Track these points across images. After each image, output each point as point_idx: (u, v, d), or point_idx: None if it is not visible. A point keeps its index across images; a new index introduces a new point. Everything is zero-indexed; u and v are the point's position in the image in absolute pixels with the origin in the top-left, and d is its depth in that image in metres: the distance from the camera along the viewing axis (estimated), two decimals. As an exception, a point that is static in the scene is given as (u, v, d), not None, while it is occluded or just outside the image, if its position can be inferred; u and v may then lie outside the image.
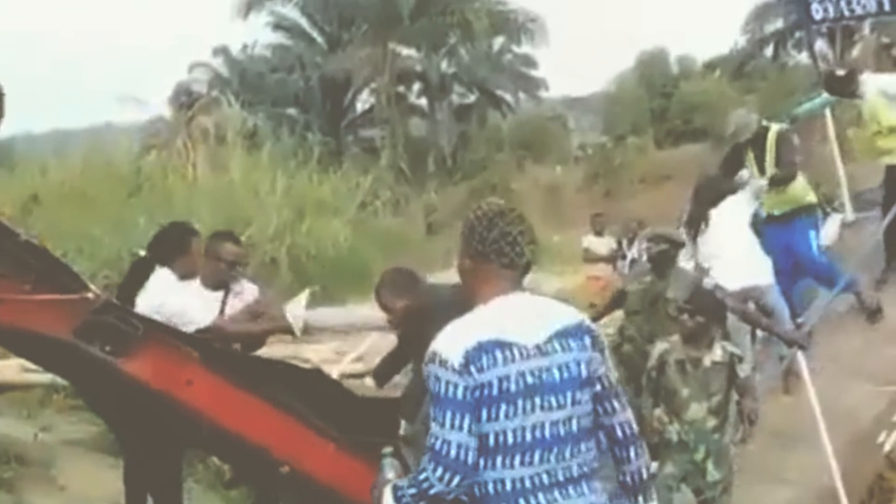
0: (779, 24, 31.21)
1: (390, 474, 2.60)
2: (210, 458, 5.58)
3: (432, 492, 2.36)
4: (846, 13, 8.43)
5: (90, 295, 3.26)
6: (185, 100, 28.07)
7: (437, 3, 27.65)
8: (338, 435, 3.71)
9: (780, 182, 6.71)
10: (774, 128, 6.98)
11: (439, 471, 2.35)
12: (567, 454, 2.43)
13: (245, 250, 5.17)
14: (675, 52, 31.12)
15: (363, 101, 32.85)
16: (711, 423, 4.88)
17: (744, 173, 6.65)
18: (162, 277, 4.27)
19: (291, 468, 3.60)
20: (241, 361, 3.71)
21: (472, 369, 2.35)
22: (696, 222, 6.30)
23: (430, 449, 2.38)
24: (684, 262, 6.13)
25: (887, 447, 5.69)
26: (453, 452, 2.33)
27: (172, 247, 4.38)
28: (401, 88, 30.82)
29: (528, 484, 2.39)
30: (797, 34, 31.84)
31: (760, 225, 6.71)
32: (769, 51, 31.90)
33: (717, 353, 4.88)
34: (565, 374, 2.44)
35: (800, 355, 5.69)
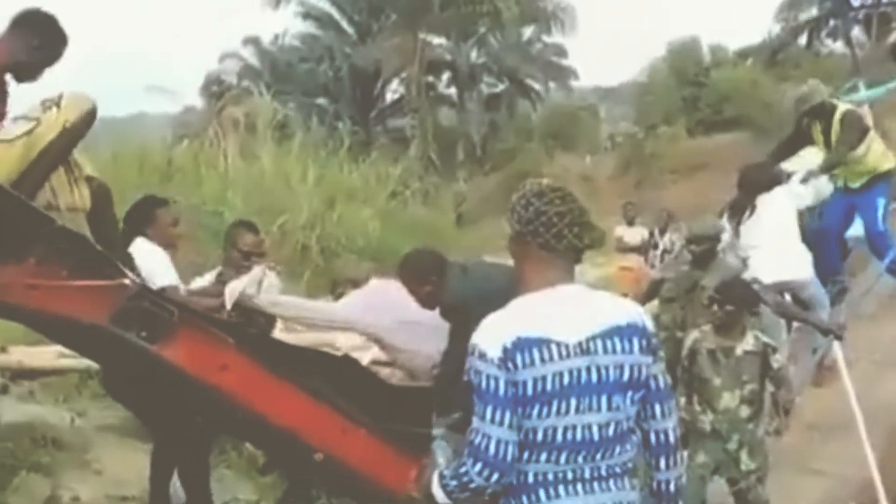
0: (813, 11, 30.91)
1: (441, 458, 2.59)
2: (243, 444, 5.62)
3: (472, 486, 2.34)
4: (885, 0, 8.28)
5: (126, 281, 3.28)
6: (215, 90, 28.26)
7: (467, -9, 27.55)
8: (370, 422, 3.72)
9: (832, 167, 6.58)
10: (842, 107, 6.79)
11: (478, 466, 2.32)
12: (598, 456, 2.37)
13: (262, 240, 5.18)
14: (707, 41, 30.82)
15: (393, 91, 32.93)
16: (745, 412, 4.86)
17: (786, 166, 6.56)
18: (136, 245, 4.41)
19: (324, 454, 3.61)
20: (275, 348, 3.71)
21: (510, 365, 2.30)
22: (741, 209, 6.22)
23: (469, 443, 2.35)
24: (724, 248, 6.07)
25: (925, 439, 5.62)
26: (492, 449, 2.29)
27: (140, 218, 4.54)
28: (430, 78, 30.82)
29: (550, 477, 2.35)
30: (831, 22, 31.58)
31: (834, 194, 6.66)
32: (803, 39, 31.56)
33: (749, 343, 4.86)
34: (605, 377, 2.34)
35: (836, 346, 5.63)
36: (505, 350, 2.30)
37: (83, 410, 6.23)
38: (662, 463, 2.48)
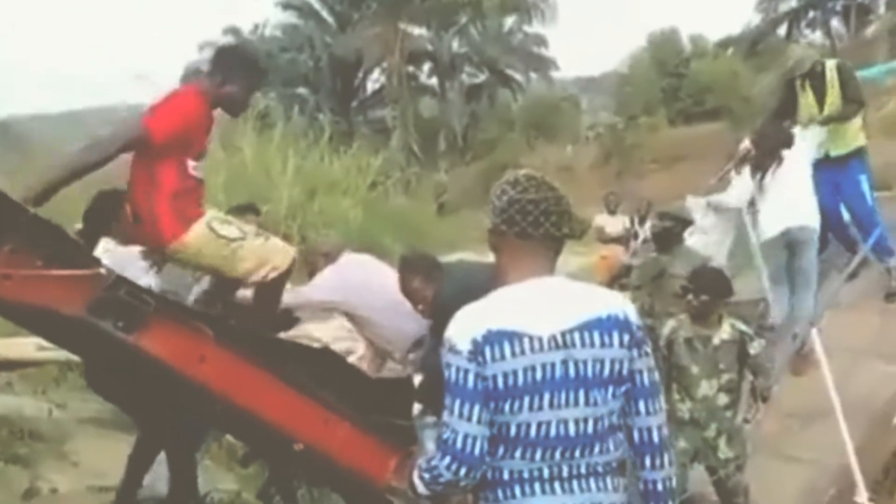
0: (792, 2, 31.10)
1: (431, 445, 2.56)
2: (223, 436, 5.60)
3: (442, 480, 2.30)
4: None
5: (102, 271, 3.25)
6: (195, 80, 28.07)
7: (447, -19, 27.51)
8: (350, 413, 3.71)
9: (845, 117, 6.75)
10: (831, 62, 7.00)
11: (447, 460, 2.27)
12: (576, 454, 2.28)
13: (262, 221, 5.18)
14: (688, 31, 30.98)
15: (374, 81, 32.92)
16: (723, 400, 4.89)
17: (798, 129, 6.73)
18: (105, 250, 4.10)
19: (305, 445, 3.59)
20: (254, 339, 3.69)
21: (480, 358, 2.24)
22: (765, 167, 6.42)
23: (439, 437, 2.31)
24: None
25: (903, 427, 5.67)
26: (460, 443, 2.24)
27: (105, 214, 4.25)
28: (411, 68, 30.77)
29: (525, 475, 2.29)
30: (811, 13, 31.77)
31: (813, 165, 6.74)
32: (782, 30, 31.73)
33: (726, 332, 4.89)
34: (583, 371, 2.26)
35: (815, 335, 5.66)
36: (475, 343, 2.24)
37: (62, 402, 6.20)
38: (647, 462, 2.38)
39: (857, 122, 6.86)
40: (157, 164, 3.74)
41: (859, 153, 6.93)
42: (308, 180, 12.97)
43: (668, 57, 29.69)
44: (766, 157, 6.45)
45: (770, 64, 26.44)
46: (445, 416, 2.29)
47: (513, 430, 2.26)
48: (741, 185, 6.72)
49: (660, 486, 2.39)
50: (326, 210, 12.37)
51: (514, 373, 2.23)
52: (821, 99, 6.79)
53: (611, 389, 2.29)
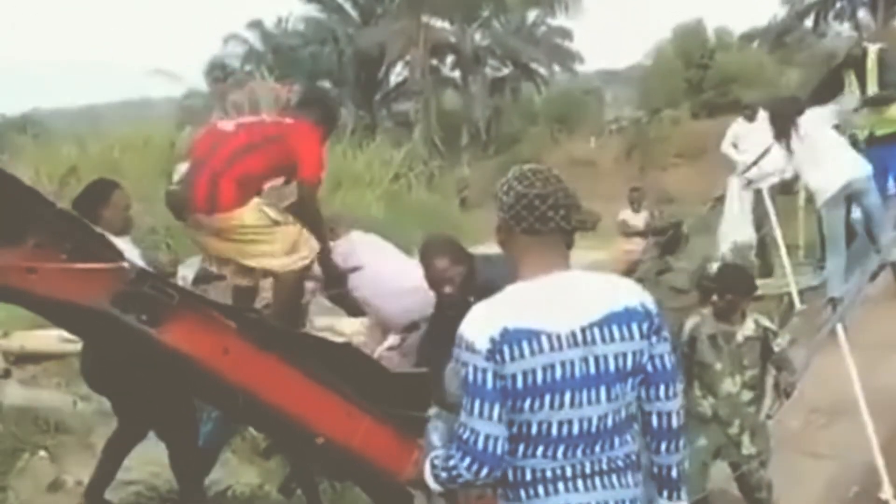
0: (819, -6, 30.73)
1: (436, 439, 2.55)
2: (246, 429, 5.63)
3: (460, 480, 2.29)
4: None
5: (125, 265, 3.27)
6: (219, 74, 28.20)
7: (470, -26, 27.43)
8: (372, 407, 3.72)
9: (880, 102, 6.86)
10: (873, 48, 7.07)
11: (467, 461, 2.25)
12: (597, 449, 2.27)
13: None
14: (713, 23, 30.68)
15: (397, 75, 32.86)
16: (746, 397, 4.87)
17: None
18: None
19: (326, 439, 3.61)
20: (276, 333, 3.70)
21: (498, 357, 2.20)
22: (786, 136, 6.56)
23: (458, 437, 2.27)
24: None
25: (928, 423, 5.61)
26: (481, 444, 2.22)
27: (93, 201, 4.32)
28: (434, 61, 30.74)
29: (548, 474, 2.27)
30: (838, 4, 31.44)
31: (861, 145, 6.94)
32: (809, 21, 31.43)
33: (749, 328, 4.86)
34: (604, 368, 2.24)
35: (839, 329, 5.62)
36: (493, 341, 2.21)
37: (86, 394, 6.24)
38: (664, 447, 2.37)
39: None
40: (276, 164, 4.35)
41: None
42: (331, 173, 12.97)
43: (692, 49, 29.44)
44: (783, 124, 6.60)
45: (796, 56, 26.31)
46: (463, 416, 2.26)
47: (534, 429, 2.25)
48: (775, 153, 6.97)
49: (674, 472, 2.40)
50: (349, 203, 12.39)
51: (533, 371, 2.21)
52: (862, 83, 6.90)
53: (630, 381, 2.29)
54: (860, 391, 5.25)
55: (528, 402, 2.22)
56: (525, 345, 2.21)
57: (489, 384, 2.21)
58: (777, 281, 8.12)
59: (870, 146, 6.91)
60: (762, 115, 8.51)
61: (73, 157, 12.51)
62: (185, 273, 4.92)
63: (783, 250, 7.93)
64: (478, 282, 4.02)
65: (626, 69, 35.64)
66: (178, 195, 4.30)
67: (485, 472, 2.25)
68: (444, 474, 2.32)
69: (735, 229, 6.96)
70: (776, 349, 4.86)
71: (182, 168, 4.41)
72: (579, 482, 2.27)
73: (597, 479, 2.28)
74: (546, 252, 2.31)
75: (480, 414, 2.22)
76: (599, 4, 42.19)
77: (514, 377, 2.21)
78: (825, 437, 5.54)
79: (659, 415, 2.36)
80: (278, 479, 5.31)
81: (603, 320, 2.25)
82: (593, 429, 2.25)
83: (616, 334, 2.26)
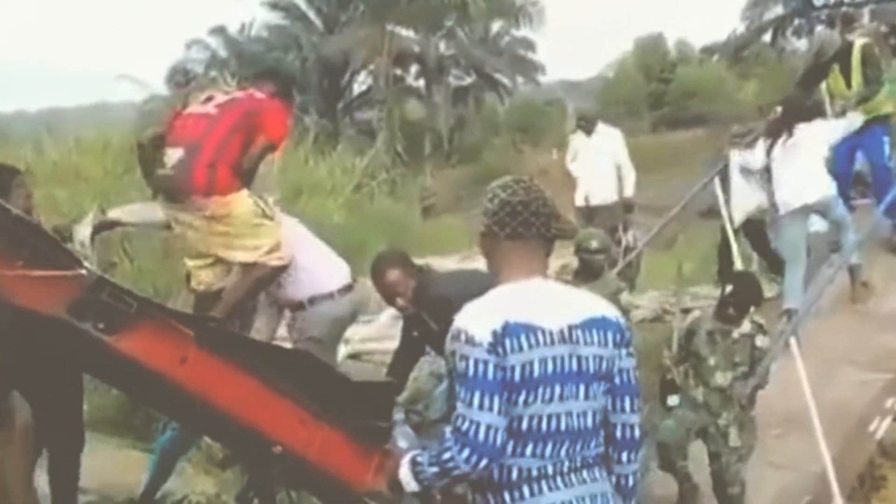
0: (778, 10, 31.19)
1: (404, 444, 2.57)
2: (202, 439, 5.57)
3: (456, 473, 2.33)
4: (846, 0, 8.60)
5: (83, 271, 3.24)
6: (181, 79, 27.95)
7: (434, -16, 27.47)
8: (329, 415, 3.71)
9: (864, 101, 7.07)
10: (858, 42, 7.23)
11: (465, 452, 2.30)
12: (578, 447, 2.40)
13: None
14: (673, 37, 31.09)
15: (360, 83, 32.76)
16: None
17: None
18: None
19: (284, 448, 3.59)
20: (233, 340, 3.68)
21: (500, 349, 2.31)
22: (779, 132, 6.62)
23: (456, 429, 2.33)
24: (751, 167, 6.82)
25: (879, 434, 5.72)
26: (482, 434, 2.28)
27: None
28: (398, 70, 30.70)
29: (534, 473, 2.36)
30: (796, 21, 31.90)
31: None
32: (767, 37, 31.87)
33: (745, 326, 5.09)
34: (584, 367, 2.39)
35: (792, 342, 5.71)
36: (495, 334, 2.31)
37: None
38: (625, 457, 2.49)
39: (883, 91, 7.15)
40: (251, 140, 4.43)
41: (885, 119, 7.25)
42: (293, 181, 12.92)
43: (653, 62, 29.80)
44: (783, 123, 6.67)
45: (754, 70, 26.67)
46: (461, 408, 2.33)
47: (525, 424, 2.34)
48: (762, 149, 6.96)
49: (631, 480, 2.53)
50: (311, 211, 12.32)
51: (531, 363, 2.33)
52: (847, 78, 7.13)
53: (603, 385, 2.42)
54: (812, 403, 5.34)
55: (523, 395, 2.33)
56: (524, 338, 2.33)
57: (490, 375, 2.30)
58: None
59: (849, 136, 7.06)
60: (601, 129, 8.66)
61: (29, 160, 12.34)
62: (83, 231, 4.76)
63: (738, 260, 8.03)
64: (431, 297, 4.09)
65: (588, 80, 35.92)
66: (173, 179, 4.38)
67: (483, 463, 2.31)
68: (433, 469, 2.37)
69: (747, 197, 6.96)
70: (758, 344, 5.09)
71: (175, 154, 4.43)
72: (559, 480, 2.38)
73: (573, 476, 2.40)
74: (527, 258, 2.46)
75: (481, 405, 2.29)
76: (562, 16, 42.48)
77: (514, 369, 2.32)
78: (780, 446, 5.63)
79: (623, 426, 2.48)
80: (235, 489, 5.27)
81: (584, 323, 2.42)
82: (574, 425, 2.38)
83: (595, 338, 2.42)
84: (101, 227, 4.79)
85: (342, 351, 6.23)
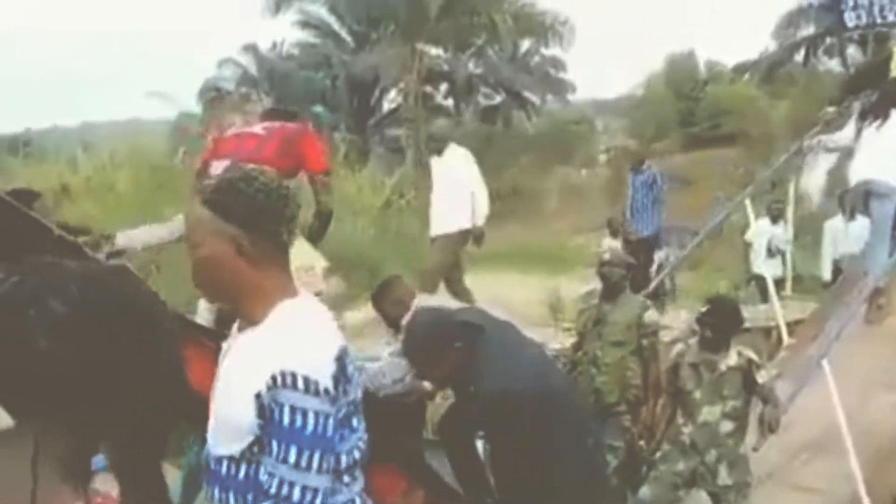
0: (810, 29, 30.97)
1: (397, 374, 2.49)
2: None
3: None
4: (878, 20, 8.53)
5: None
6: (213, 96, 28.21)
7: (464, 3, 27.56)
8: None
9: None
10: None
11: None
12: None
13: None
14: (704, 55, 30.98)
15: (390, 101, 32.92)
16: (726, 427, 4.89)
17: None
18: None
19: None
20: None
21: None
22: (874, 115, 6.87)
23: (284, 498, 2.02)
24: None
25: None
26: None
27: None
28: (428, 88, 30.83)
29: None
30: (829, 40, 31.69)
31: None
32: (799, 56, 31.67)
33: (732, 358, 4.90)
34: None
35: (825, 364, 5.66)
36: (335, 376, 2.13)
37: None
38: None
39: None
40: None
41: None
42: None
43: (684, 80, 29.70)
44: (878, 107, 6.91)
45: (786, 90, 26.51)
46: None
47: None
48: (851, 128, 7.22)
49: None
50: (339, 228, 12.41)
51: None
52: None
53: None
54: (845, 426, 5.28)
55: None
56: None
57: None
58: (765, 312, 8.18)
59: None
60: (451, 149, 7.43)
61: (65, 175, 12.54)
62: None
63: (771, 283, 8.00)
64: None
65: (617, 99, 35.89)
66: None
67: None
68: None
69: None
70: (760, 381, 4.89)
71: (221, 165, 4.53)
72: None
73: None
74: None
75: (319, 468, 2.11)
76: (592, 34, 42.47)
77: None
78: (810, 471, 5.57)
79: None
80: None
81: None
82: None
83: None
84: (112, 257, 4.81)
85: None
